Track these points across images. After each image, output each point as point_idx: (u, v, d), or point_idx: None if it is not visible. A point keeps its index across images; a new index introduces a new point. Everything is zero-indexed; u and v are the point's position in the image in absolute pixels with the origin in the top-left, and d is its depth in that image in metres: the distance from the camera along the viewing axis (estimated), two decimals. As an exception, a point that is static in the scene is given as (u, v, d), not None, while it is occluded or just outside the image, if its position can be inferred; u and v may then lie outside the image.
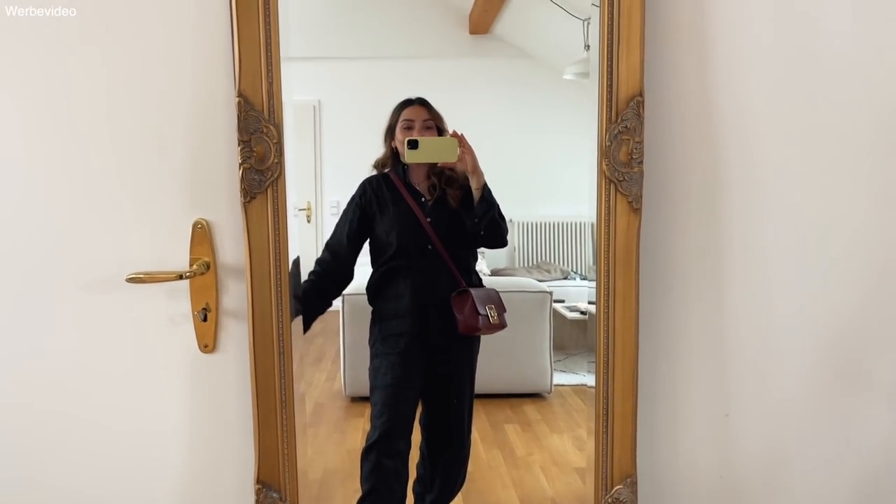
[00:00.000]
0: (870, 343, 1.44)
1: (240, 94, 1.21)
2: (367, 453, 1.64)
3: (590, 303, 1.38)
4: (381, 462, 1.64)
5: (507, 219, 1.63)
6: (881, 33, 1.37)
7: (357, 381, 1.89)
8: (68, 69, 1.29)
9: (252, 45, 1.22)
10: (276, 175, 1.24)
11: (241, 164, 1.22)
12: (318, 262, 1.66)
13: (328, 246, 1.68)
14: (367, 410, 1.69)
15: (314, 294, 1.61)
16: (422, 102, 1.61)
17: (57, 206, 1.32)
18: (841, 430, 1.46)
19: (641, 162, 1.29)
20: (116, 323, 1.34)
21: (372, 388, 1.68)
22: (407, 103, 1.62)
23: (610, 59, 1.28)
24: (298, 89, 1.99)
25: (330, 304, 1.67)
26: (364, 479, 1.63)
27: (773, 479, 1.47)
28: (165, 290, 1.33)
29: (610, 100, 1.29)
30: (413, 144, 1.48)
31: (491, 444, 1.89)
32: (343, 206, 1.70)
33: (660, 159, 1.37)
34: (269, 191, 1.24)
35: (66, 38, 1.28)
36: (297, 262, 1.38)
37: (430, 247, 1.63)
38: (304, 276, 1.55)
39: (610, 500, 1.36)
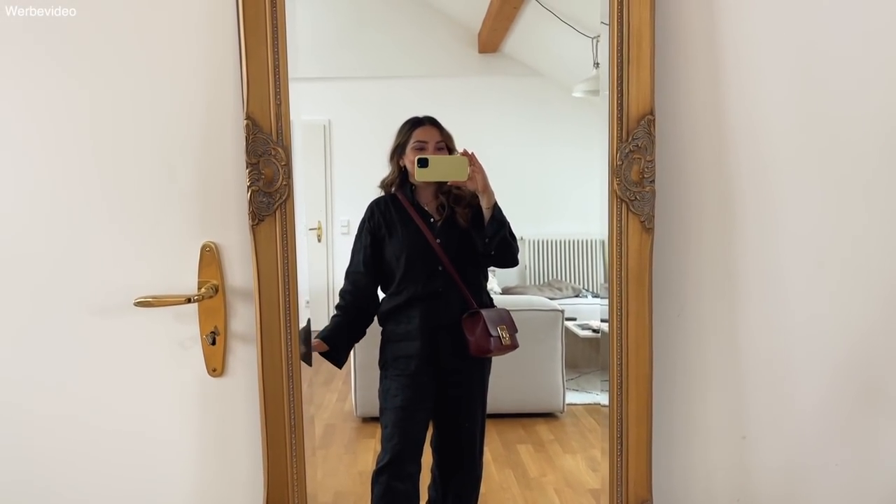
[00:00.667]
0: (889, 359, 1.41)
1: (248, 117, 1.21)
2: (377, 476, 1.63)
3: (602, 321, 1.37)
4: (391, 486, 1.62)
5: (517, 237, 1.62)
6: (892, 49, 1.35)
7: (368, 401, 1.87)
8: (76, 94, 1.29)
9: (260, 67, 1.22)
10: (284, 197, 1.24)
11: (249, 187, 1.22)
12: (342, 294, 1.66)
13: (348, 275, 1.67)
14: (378, 431, 1.68)
15: (345, 328, 1.62)
16: (433, 122, 1.60)
17: (63, 229, 1.32)
18: (861, 451, 1.43)
19: (653, 181, 1.28)
20: (125, 347, 1.34)
21: (382, 410, 1.67)
22: (417, 123, 1.61)
23: (620, 78, 1.27)
24: (308, 109, 2.00)
25: (363, 334, 1.66)
26: (374, 502, 1.62)
27: (791, 502, 1.44)
28: (173, 314, 1.32)
29: (620, 118, 1.27)
30: (423, 163, 1.47)
31: (503, 465, 1.87)
32: (353, 225, 1.69)
33: (672, 178, 1.35)
34: (278, 213, 1.24)
35: (73, 66, 1.29)
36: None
37: (440, 268, 1.61)
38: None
39: (625, 525, 1.33)
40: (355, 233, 1.68)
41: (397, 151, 1.62)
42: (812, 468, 1.43)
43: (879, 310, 1.40)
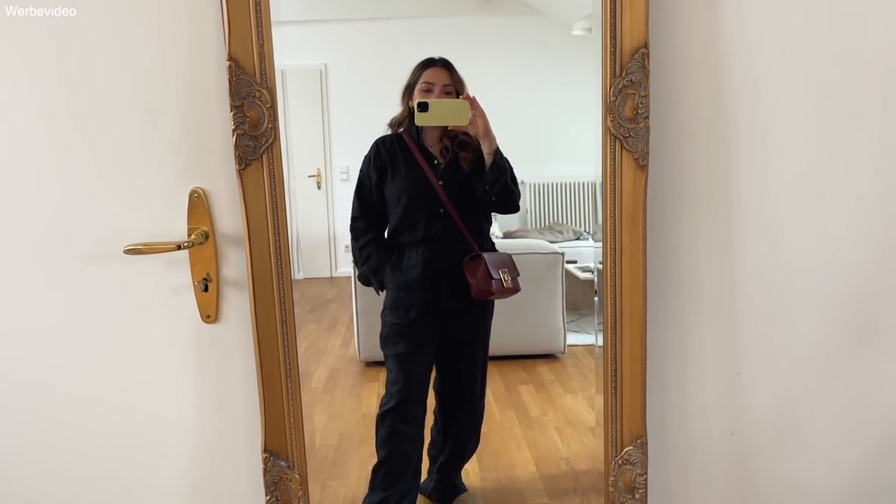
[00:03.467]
0: (886, 299, 1.40)
1: (230, 58, 1.18)
2: (382, 419, 1.65)
3: (599, 263, 1.35)
4: (397, 428, 1.65)
5: (518, 181, 1.60)
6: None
7: (371, 346, 1.89)
8: (57, 38, 1.26)
9: (241, 6, 1.18)
10: (270, 141, 1.22)
11: (234, 130, 1.20)
12: (364, 230, 1.67)
13: (359, 207, 1.67)
14: (381, 375, 1.70)
15: (384, 254, 1.65)
16: (444, 65, 1.57)
17: (48, 179, 1.31)
18: (856, 388, 1.43)
19: (647, 117, 1.25)
20: (117, 295, 1.34)
21: (386, 356, 1.68)
22: (429, 63, 1.58)
23: (613, 10, 1.22)
24: (304, 53, 1.97)
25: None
26: (380, 445, 1.64)
27: (786, 437, 1.45)
28: (165, 262, 1.32)
29: (614, 52, 1.24)
30: (423, 107, 1.45)
31: (505, 405, 1.89)
32: (353, 171, 1.67)
33: (666, 114, 1.32)
34: (265, 157, 1.22)
35: (51, 8, 1.25)
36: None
37: (441, 210, 1.60)
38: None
39: (620, 462, 1.34)
40: (358, 173, 1.66)
41: (407, 91, 1.60)
42: (806, 403, 1.43)
43: (876, 246, 1.38)
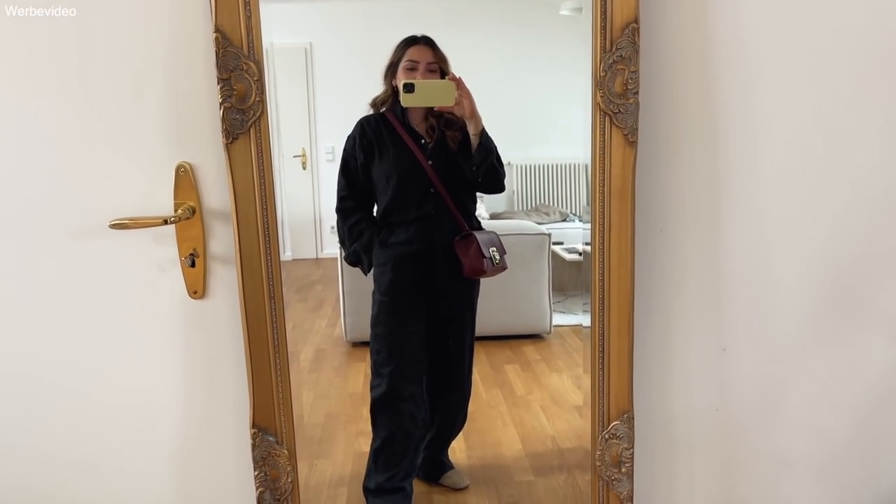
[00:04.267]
0: (869, 274, 1.42)
1: (217, 30, 1.17)
2: (378, 403, 1.64)
3: (585, 244, 1.36)
4: (397, 407, 1.64)
5: (505, 162, 1.60)
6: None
7: (357, 326, 1.89)
8: (40, 10, 1.24)
9: (228, -23, 1.16)
10: (258, 114, 1.21)
11: (221, 104, 1.18)
12: (353, 209, 1.65)
13: (346, 187, 1.65)
14: (368, 355, 1.70)
15: (376, 232, 1.63)
16: (427, 42, 1.55)
17: (34, 152, 1.29)
18: (839, 362, 1.45)
19: (637, 93, 1.25)
20: (103, 270, 1.33)
21: (375, 336, 1.68)
22: (412, 41, 1.56)
23: (603, -16, 1.22)
24: (288, 32, 1.95)
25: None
26: (380, 427, 1.64)
27: (769, 411, 1.47)
28: (152, 236, 1.31)
29: (604, 27, 1.23)
30: (409, 88, 1.44)
31: (491, 385, 1.90)
32: (338, 151, 1.66)
33: (656, 90, 1.32)
34: (252, 131, 1.21)
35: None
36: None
37: (432, 190, 1.60)
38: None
39: (607, 437, 1.36)
40: (342, 153, 1.65)
41: (390, 70, 1.59)
42: (789, 378, 1.45)
43: (859, 225, 1.39)
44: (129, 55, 1.26)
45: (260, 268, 1.26)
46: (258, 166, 1.22)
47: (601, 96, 1.25)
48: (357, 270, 1.69)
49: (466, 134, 1.53)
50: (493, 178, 1.60)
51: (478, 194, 1.71)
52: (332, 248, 1.88)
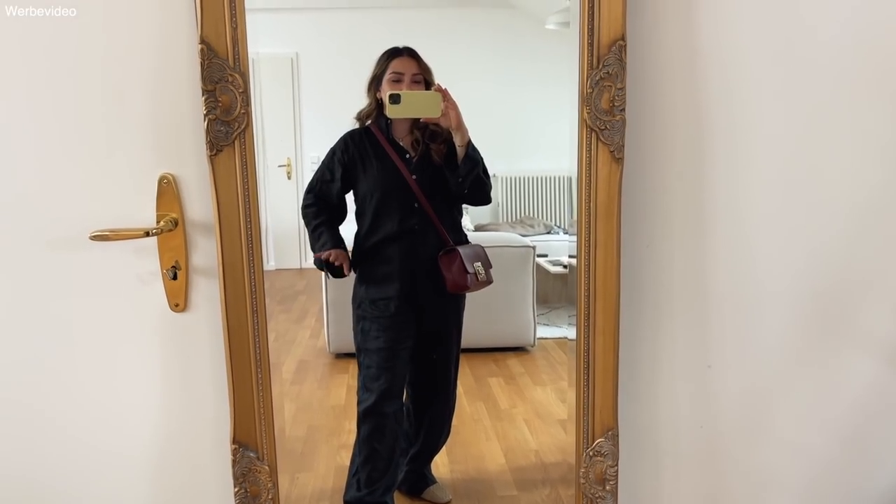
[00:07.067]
0: (853, 292, 1.42)
1: (202, 41, 1.15)
2: (365, 417, 1.63)
3: (570, 256, 1.36)
4: (380, 423, 1.63)
5: (490, 174, 1.59)
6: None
7: (340, 337, 1.88)
8: (21, 17, 1.22)
9: (214, -13, 1.15)
10: (243, 126, 1.19)
11: (206, 115, 1.17)
12: (316, 213, 1.64)
13: (314, 198, 1.65)
14: (351, 367, 1.69)
15: (327, 223, 1.62)
16: (411, 54, 1.55)
17: (15, 162, 1.27)
18: (823, 379, 1.45)
19: (623, 109, 1.25)
20: (83, 283, 1.31)
21: (361, 351, 1.66)
22: (395, 53, 1.56)
23: (591, 1, 1.22)
24: (275, 42, 1.94)
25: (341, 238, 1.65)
26: (363, 443, 1.62)
27: (754, 429, 1.47)
28: (133, 248, 1.29)
29: (591, 44, 1.23)
30: (395, 99, 1.43)
31: (475, 398, 1.89)
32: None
33: (643, 107, 1.33)
34: (237, 143, 1.20)
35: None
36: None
37: (416, 205, 1.59)
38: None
39: (591, 453, 1.35)
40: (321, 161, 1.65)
41: (374, 83, 1.58)
42: (774, 395, 1.45)
43: (844, 241, 1.40)
44: (113, 65, 1.24)
45: (243, 281, 1.24)
46: (242, 179, 1.21)
47: (588, 113, 1.25)
48: (341, 282, 1.68)
49: (452, 146, 1.53)
50: (479, 189, 1.60)
51: (463, 206, 1.71)
52: (316, 258, 1.87)
